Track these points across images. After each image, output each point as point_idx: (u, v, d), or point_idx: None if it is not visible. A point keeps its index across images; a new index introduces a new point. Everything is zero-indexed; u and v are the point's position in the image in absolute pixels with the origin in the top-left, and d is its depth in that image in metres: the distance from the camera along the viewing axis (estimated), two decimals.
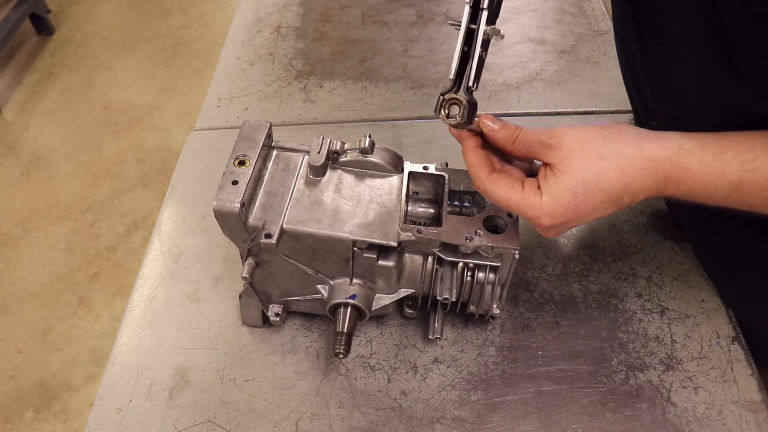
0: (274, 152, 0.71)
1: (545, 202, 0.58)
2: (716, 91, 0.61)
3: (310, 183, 0.69)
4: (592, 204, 0.58)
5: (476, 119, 0.61)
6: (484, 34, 0.55)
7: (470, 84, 0.57)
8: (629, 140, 0.57)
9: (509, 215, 0.67)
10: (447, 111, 0.59)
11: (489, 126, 0.61)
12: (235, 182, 0.63)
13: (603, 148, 0.57)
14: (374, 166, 0.70)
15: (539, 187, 0.59)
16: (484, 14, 0.55)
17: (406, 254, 0.69)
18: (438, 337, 0.73)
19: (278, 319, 0.75)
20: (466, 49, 0.57)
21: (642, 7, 0.72)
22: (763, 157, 0.54)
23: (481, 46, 0.56)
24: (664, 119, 0.74)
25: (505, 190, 0.60)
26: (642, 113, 0.85)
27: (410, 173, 0.70)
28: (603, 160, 0.57)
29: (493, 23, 0.56)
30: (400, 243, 0.65)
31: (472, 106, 0.58)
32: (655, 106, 0.76)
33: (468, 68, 0.57)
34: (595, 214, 0.59)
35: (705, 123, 0.61)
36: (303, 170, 0.70)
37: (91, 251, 2.27)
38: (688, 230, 0.84)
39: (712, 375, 0.72)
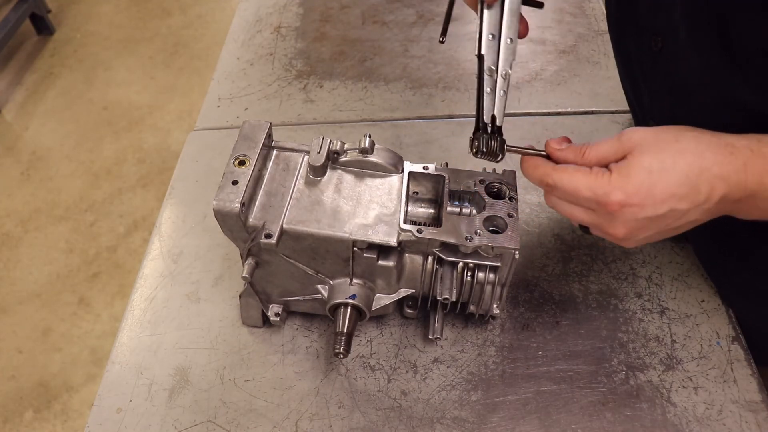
0: (274, 152, 0.71)
1: (614, 178, 0.55)
2: (718, 89, 0.61)
3: (310, 183, 0.69)
4: (667, 186, 0.54)
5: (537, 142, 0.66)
6: (490, 74, 0.60)
7: (485, 121, 0.61)
8: (703, 131, 0.56)
9: (509, 215, 0.67)
10: (475, 146, 0.64)
11: (556, 147, 0.61)
12: (235, 182, 0.63)
13: (678, 135, 0.55)
14: (374, 166, 0.70)
15: (610, 170, 0.56)
16: (484, 60, 0.61)
17: (406, 254, 0.69)
18: (438, 337, 0.73)
19: (278, 319, 0.75)
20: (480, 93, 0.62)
21: (638, 6, 0.72)
22: None
23: (491, 87, 0.60)
24: (664, 118, 0.74)
25: (571, 174, 0.58)
26: (639, 114, 0.85)
27: (410, 173, 0.70)
28: (679, 143, 0.55)
29: (508, 65, 0.61)
30: (400, 243, 0.65)
31: (491, 140, 0.62)
32: (654, 105, 0.76)
33: (479, 108, 0.62)
34: (671, 203, 0.54)
35: (707, 121, 0.61)
36: (303, 170, 0.70)
37: (91, 251, 2.27)
38: (688, 230, 0.84)
39: (712, 375, 0.72)
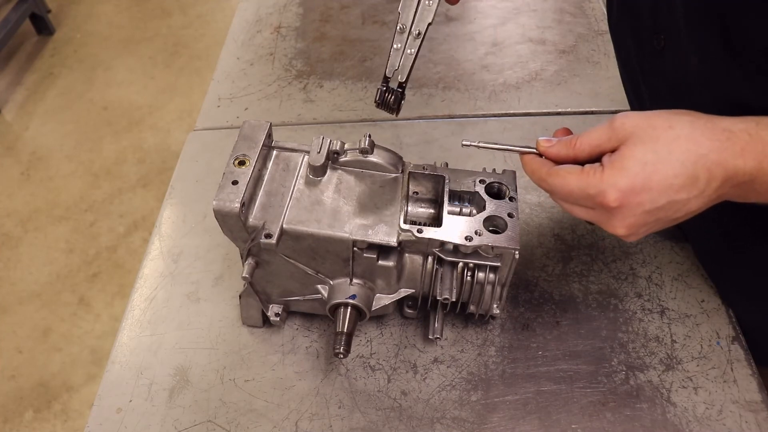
0: (274, 152, 0.71)
1: (607, 174, 0.53)
2: (719, 87, 0.61)
3: (310, 183, 0.69)
4: (664, 176, 0.51)
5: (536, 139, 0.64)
6: (401, 31, 0.66)
7: (387, 75, 0.68)
8: (699, 115, 0.54)
9: (509, 215, 0.67)
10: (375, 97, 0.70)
11: (545, 146, 0.60)
12: (235, 182, 0.63)
13: (672, 120, 0.53)
14: (374, 166, 0.70)
15: (602, 164, 0.54)
16: (399, 17, 0.66)
17: (406, 254, 0.69)
18: (438, 337, 0.73)
19: (278, 319, 0.75)
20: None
21: (640, 5, 0.72)
22: None
23: (401, 44, 0.66)
24: None
25: (563, 177, 0.56)
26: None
27: (410, 173, 0.70)
28: (673, 129, 0.52)
29: (422, 25, 0.66)
30: (400, 243, 0.65)
31: (387, 92, 0.68)
32: (655, 105, 0.76)
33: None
34: (668, 194, 0.52)
35: None
36: (303, 170, 0.70)
37: (91, 251, 2.27)
38: (688, 230, 0.84)
39: (712, 375, 0.72)
